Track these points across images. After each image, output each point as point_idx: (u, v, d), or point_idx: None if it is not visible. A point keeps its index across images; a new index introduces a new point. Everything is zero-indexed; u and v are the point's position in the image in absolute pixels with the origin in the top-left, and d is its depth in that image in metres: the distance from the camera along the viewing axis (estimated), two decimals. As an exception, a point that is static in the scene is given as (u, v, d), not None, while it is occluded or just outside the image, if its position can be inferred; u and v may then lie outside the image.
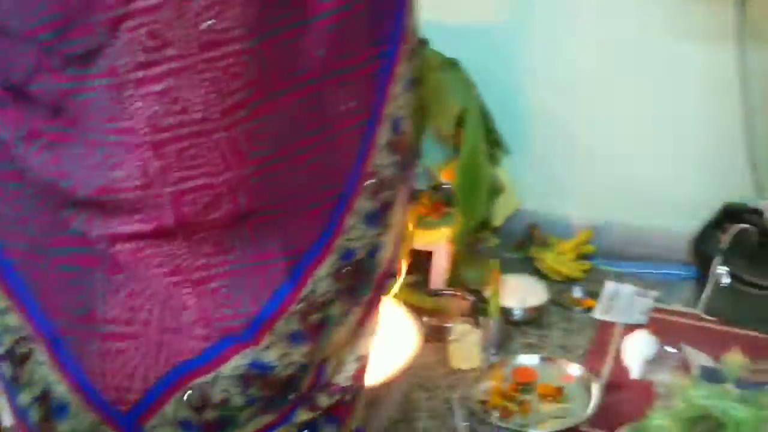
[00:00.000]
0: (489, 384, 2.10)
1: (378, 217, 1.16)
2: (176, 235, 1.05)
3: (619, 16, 2.45)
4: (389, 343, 2.07)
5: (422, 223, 2.42)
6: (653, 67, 2.47)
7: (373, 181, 1.13)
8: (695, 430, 1.86)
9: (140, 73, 0.97)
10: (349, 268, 1.14)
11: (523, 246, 2.70)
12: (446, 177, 2.53)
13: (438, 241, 2.42)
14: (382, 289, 1.22)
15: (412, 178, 1.29)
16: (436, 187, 2.57)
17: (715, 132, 2.43)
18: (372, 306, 1.22)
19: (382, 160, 1.14)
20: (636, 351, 2.15)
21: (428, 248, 2.45)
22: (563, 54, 2.55)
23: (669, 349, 2.15)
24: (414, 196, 2.52)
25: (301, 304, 1.10)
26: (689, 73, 2.44)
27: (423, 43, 2.63)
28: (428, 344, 2.27)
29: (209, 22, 0.97)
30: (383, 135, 1.14)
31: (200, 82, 0.98)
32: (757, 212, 2.43)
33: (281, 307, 1.09)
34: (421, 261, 2.48)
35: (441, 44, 2.61)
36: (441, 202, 2.48)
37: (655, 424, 1.83)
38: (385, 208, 1.16)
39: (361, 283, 1.17)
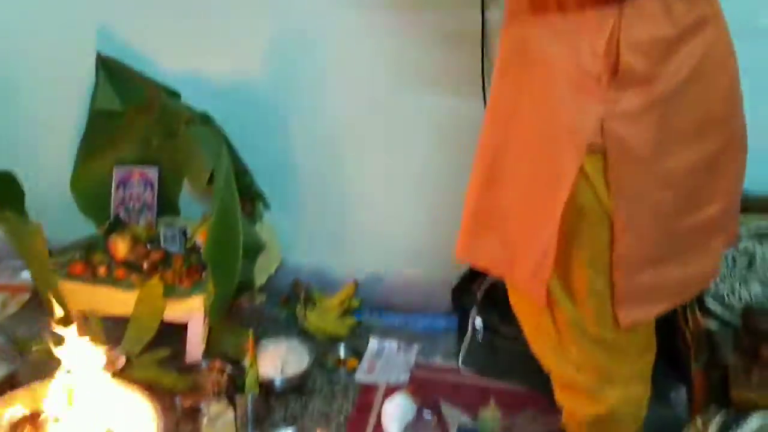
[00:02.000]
0: (244, 468, 1.98)
1: None
2: None
3: (374, 71, 2.43)
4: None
5: (174, 292, 2.25)
6: (404, 119, 2.47)
7: None
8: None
9: None
10: None
11: (287, 303, 2.60)
12: (202, 238, 2.38)
13: (192, 311, 2.26)
14: None
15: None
16: (192, 250, 2.40)
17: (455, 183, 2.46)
18: None
19: None
20: (395, 417, 2.11)
21: (181, 320, 2.28)
22: (321, 108, 2.49)
23: (426, 415, 2.14)
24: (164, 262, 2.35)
25: None
26: (434, 123, 2.46)
27: (174, 96, 2.47)
28: (180, 428, 2.12)
29: None
30: None
31: None
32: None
33: None
34: (173, 333, 2.31)
35: (194, 98, 2.47)
36: (195, 267, 2.32)
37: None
38: None
39: None
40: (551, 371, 1.73)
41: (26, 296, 2.65)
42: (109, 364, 2.15)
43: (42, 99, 2.66)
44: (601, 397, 1.63)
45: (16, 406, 1.90)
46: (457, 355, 2.40)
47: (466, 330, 2.39)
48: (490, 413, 2.15)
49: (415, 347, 2.46)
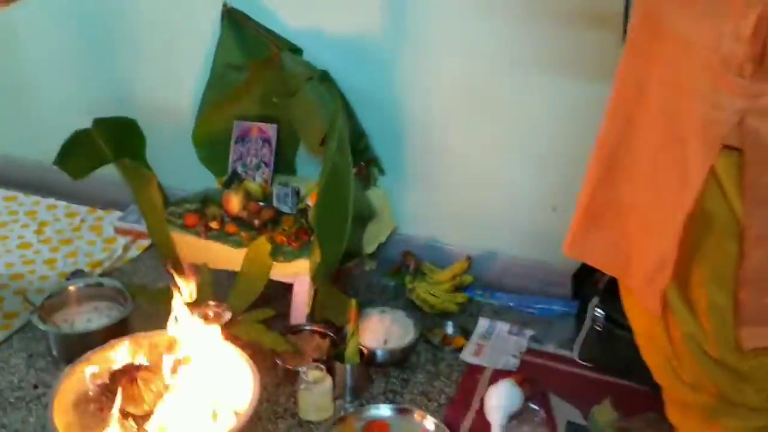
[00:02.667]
0: (339, 441, 1.92)
1: None
2: None
3: (500, 44, 2.26)
4: (230, 391, 1.87)
5: (281, 253, 2.20)
6: (531, 97, 2.29)
7: None
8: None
9: None
10: None
11: (396, 274, 2.51)
12: (314, 200, 2.31)
13: (298, 273, 2.21)
14: None
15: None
16: (303, 211, 2.35)
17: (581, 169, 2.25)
18: None
19: None
20: (499, 405, 1.98)
21: (287, 280, 2.24)
22: (444, 73, 2.34)
23: (534, 407, 2.00)
24: (275, 221, 2.30)
25: None
26: (564, 105, 2.27)
27: (296, 52, 2.40)
28: (280, 390, 2.09)
29: None
30: None
31: None
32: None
33: None
34: (280, 294, 2.27)
35: (314, 54, 2.40)
36: (305, 229, 2.26)
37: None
38: None
39: None
40: (663, 385, 1.55)
41: (147, 242, 2.70)
42: (215, 318, 2.15)
43: (167, 49, 2.67)
44: (716, 424, 1.45)
45: (119, 352, 1.91)
46: (573, 345, 2.23)
47: (585, 319, 2.22)
48: (604, 412, 1.99)
49: (528, 332, 2.31)
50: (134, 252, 2.70)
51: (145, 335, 1.97)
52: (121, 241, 2.74)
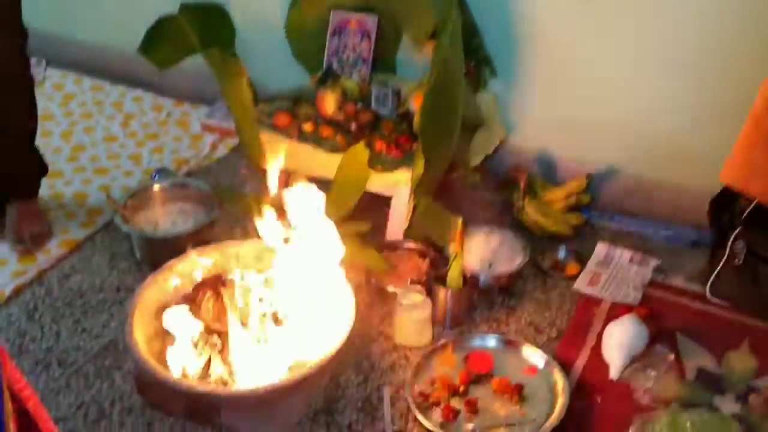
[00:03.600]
0: (435, 371, 1.74)
1: None
2: None
3: None
4: (325, 312, 1.70)
5: (380, 161, 1.98)
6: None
7: None
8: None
9: None
10: None
11: (504, 189, 2.26)
12: (417, 104, 2.07)
13: (397, 185, 1.99)
14: None
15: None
16: (403, 116, 2.11)
17: (748, 75, 1.91)
18: None
19: None
20: (620, 344, 1.75)
21: (386, 192, 2.03)
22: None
23: (660, 348, 1.76)
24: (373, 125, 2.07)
25: None
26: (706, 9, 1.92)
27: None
28: (373, 310, 1.92)
29: None
30: None
31: None
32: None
33: None
34: (377, 206, 2.07)
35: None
36: (405, 135, 2.02)
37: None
38: None
39: None
40: None
41: (235, 141, 2.53)
42: (305, 229, 1.97)
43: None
44: None
45: (204, 261, 1.77)
46: (706, 280, 1.95)
47: (722, 251, 1.93)
48: (742, 358, 1.75)
49: (653, 262, 2.04)
50: (222, 151, 2.53)
51: (232, 245, 1.81)
52: (209, 138, 2.58)
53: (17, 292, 1.97)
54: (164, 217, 2.13)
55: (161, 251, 1.91)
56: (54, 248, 2.10)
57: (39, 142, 2.53)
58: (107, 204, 2.18)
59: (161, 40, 1.93)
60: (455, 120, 1.88)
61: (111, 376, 1.75)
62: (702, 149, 2.05)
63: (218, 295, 1.59)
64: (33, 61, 2.95)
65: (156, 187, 2.16)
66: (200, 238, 1.96)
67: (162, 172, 2.33)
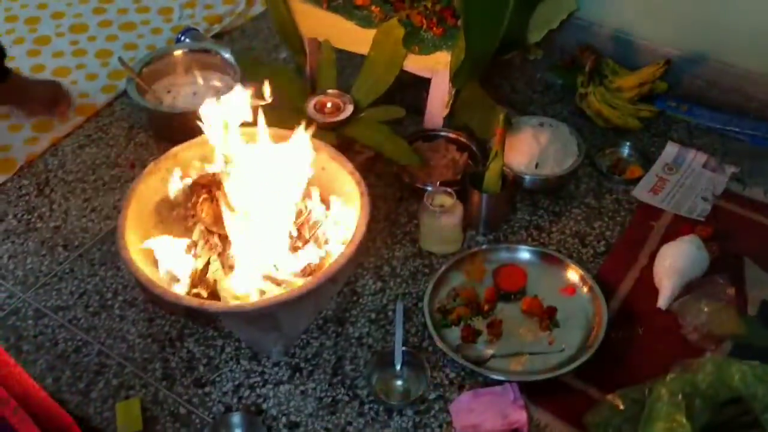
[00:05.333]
0: (460, 284, 1.57)
1: None
2: None
3: None
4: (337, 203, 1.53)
5: (418, 40, 1.72)
6: None
7: None
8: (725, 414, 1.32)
9: None
10: None
11: (568, 70, 1.97)
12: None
13: (438, 66, 1.73)
14: None
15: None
16: (451, -17, 1.81)
17: None
18: None
19: None
20: (675, 268, 1.52)
21: (424, 73, 1.77)
22: None
23: (721, 277, 1.52)
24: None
25: None
26: None
27: None
28: (402, 207, 1.73)
29: None
30: None
31: None
32: None
33: None
34: (416, 87, 1.83)
35: None
36: (451, 9, 1.73)
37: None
38: None
39: None
40: None
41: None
42: (332, 111, 1.77)
43: None
44: None
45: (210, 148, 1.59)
46: (790, 196, 1.68)
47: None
48: (816, 297, 1.51)
49: (731, 169, 1.76)
50: (258, 8, 2.29)
51: (244, 131, 1.62)
52: (246, -8, 2.34)
53: (29, 162, 1.87)
54: (185, 88, 1.95)
55: (174, 127, 1.75)
56: (72, 115, 1.97)
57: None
58: (124, 70, 2.00)
59: None
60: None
61: (116, 263, 1.65)
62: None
63: (213, 198, 1.43)
64: None
65: (176, 52, 1.96)
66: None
67: (189, 32, 2.12)
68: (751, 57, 1.81)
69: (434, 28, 1.70)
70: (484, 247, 1.63)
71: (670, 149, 1.81)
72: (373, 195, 1.67)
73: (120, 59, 1.93)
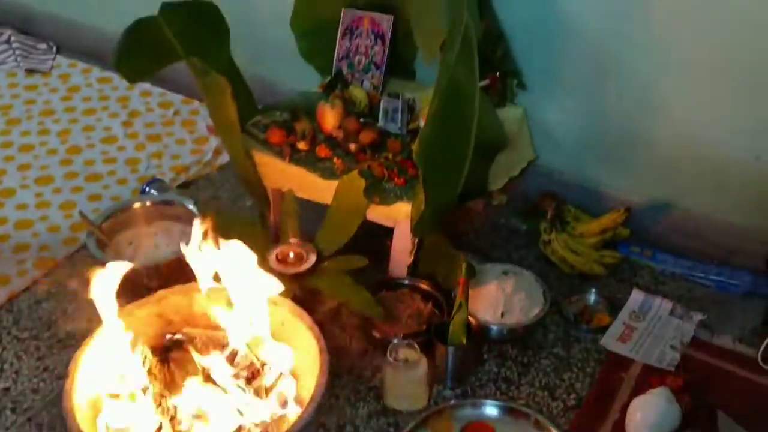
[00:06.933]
0: (427, 444, 1.50)
1: None
2: None
3: None
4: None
5: (379, 191, 1.73)
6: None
7: None
8: None
9: None
10: None
11: (531, 216, 1.98)
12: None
13: (399, 216, 1.74)
14: None
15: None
16: (414, 133, 1.84)
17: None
18: None
19: None
20: (647, 424, 1.47)
21: (387, 223, 1.77)
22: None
23: (693, 434, 1.48)
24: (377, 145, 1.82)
25: None
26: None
27: None
28: (366, 360, 1.68)
29: None
30: None
31: None
32: None
33: None
34: (380, 234, 1.83)
35: None
36: (410, 160, 1.76)
37: None
38: None
39: None
40: None
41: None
42: (296, 261, 1.75)
43: None
44: None
45: (165, 306, 1.56)
46: (760, 342, 1.65)
47: (781, 309, 1.64)
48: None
49: (698, 316, 1.74)
50: (225, 157, 2.32)
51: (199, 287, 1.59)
52: (213, 142, 2.37)
53: (-17, 319, 1.82)
54: (148, 238, 1.93)
55: (136, 280, 1.71)
56: (30, 269, 1.94)
57: (34, 141, 2.40)
58: (82, 223, 1.95)
59: (137, 48, 1.70)
60: (466, 146, 1.61)
61: (65, 427, 1.57)
62: (765, 185, 1.73)
63: (165, 363, 1.38)
64: (42, 47, 2.83)
65: (137, 204, 1.95)
66: (181, 266, 1.76)
67: (154, 183, 2.13)
68: (711, 203, 1.83)
69: (395, 179, 1.72)
70: (451, 402, 1.57)
71: (636, 296, 1.80)
72: (337, 347, 1.65)
73: (81, 213, 1.91)
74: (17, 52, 2.81)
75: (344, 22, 2.02)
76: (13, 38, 2.85)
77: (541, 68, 1.89)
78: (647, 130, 1.84)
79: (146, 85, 2.63)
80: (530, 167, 1.97)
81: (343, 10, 2.01)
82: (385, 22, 1.98)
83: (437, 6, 1.64)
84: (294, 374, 1.51)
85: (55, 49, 2.83)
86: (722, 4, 1.62)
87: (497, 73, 1.86)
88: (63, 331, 1.78)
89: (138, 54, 1.71)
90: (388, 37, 1.98)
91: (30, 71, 2.74)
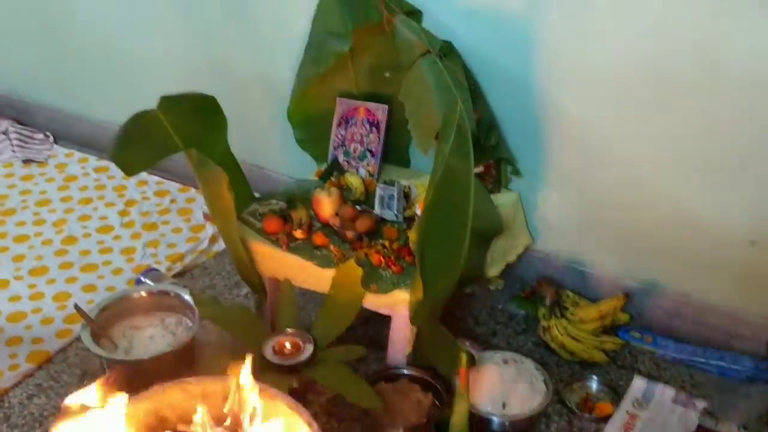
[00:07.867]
0: None
1: None
2: None
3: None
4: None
5: (376, 278, 1.73)
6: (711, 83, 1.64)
7: None
8: None
9: None
10: None
11: (528, 301, 1.98)
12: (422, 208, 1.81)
13: (397, 304, 1.73)
14: None
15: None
16: (411, 220, 1.85)
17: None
18: None
19: None
20: None
21: (384, 311, 1.76)
22: (591, 48, 1.73)
23: None
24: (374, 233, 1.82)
25: None
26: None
27: (414, 15, 1.89)
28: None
29: None
30: None
31: None
32: None
33: None
34: (378, 322, 1.81)
35: (437, 20, 1.87)
36: (407, 248, 1.76)
37: None
38: None
39: None
40: None
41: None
42: (293, 352, 1.73)
43: (267, 14, 2.21)
44: None
45: (164, 404, 1.52)
46: (764, 428, 1.63)
47: (786, 395, 1.62)
48: None
49: (701, 404, 1.72)
50: (221, 244, 2.32)
51: (196, 382, 1.56)
52: (209, 230, 2.37)
53: (-28, 416, 1.77)
54: (142, 331, 1.90)
55: (132, 374, 1.68)
56: (23, 363, 1.90)
57: (29, 231, 2.39)
58: (79, 316, 1.94)
59: (135, 140, 1.72)
60: (462, 234, 1.61)
61: None
62: (761, 269, 1.73)
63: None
64: (39, 137, 2.86)
65: (134, 295, 1.93)
66: (177, 359, 1.73)
67: (150, 273, 2.12)
68: (710, 288, 1.83)
69: (393, 267, 1.72)
70: (452, 499, 1.53)
71: (638, 383, 1.77)
72: (335, 442, 1.61)
73: (76, 306, 1.88)
74: (14, 142, 2.84)
75: (339, 112, 2.06)
76: (10, 129, 2.89)
77: (534, 155, 1.91)
78: (640, 218, 1.86)
79: (143, 174, 2.64)
80: (527, 253, 1.97)
81: (338, 99, 2.05)
82: (380, 111, 2.02)
83: (430, 98, 1.68)
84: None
85: (52, 138, 2.86)
86: (715, 93, 1.65)
87: (493, 162, 1.89)
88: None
89: (136, 146, 1.73)
90: (383, 126, 2.02)
91: (27, 161, 2.77)
